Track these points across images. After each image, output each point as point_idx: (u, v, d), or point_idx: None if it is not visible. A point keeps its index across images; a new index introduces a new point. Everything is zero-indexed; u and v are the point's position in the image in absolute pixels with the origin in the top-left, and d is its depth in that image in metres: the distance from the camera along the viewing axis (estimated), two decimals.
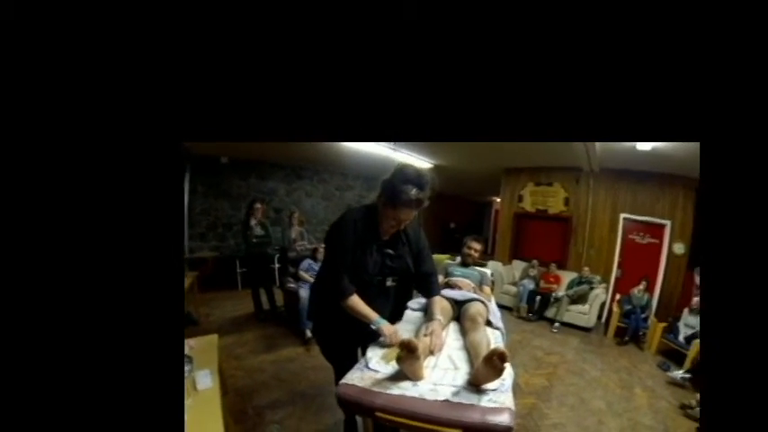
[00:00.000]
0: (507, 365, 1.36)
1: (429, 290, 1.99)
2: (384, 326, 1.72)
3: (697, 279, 5.75)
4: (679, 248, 6.20)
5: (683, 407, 3.50)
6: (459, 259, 2.99)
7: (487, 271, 2.99)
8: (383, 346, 1.69)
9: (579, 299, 5.99)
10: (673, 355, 4.83)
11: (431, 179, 1.68)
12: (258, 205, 5.11)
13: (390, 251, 1.83)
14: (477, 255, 2.87)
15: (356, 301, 1.72)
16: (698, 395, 3.51)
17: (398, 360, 1.41)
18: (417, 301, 2.15)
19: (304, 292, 4.27)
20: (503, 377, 1.37)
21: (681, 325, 5.01)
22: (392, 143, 5.81)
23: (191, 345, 2.37)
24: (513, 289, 6.71)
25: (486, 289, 2.63)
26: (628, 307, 5.63)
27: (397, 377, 1.44)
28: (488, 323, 2.05)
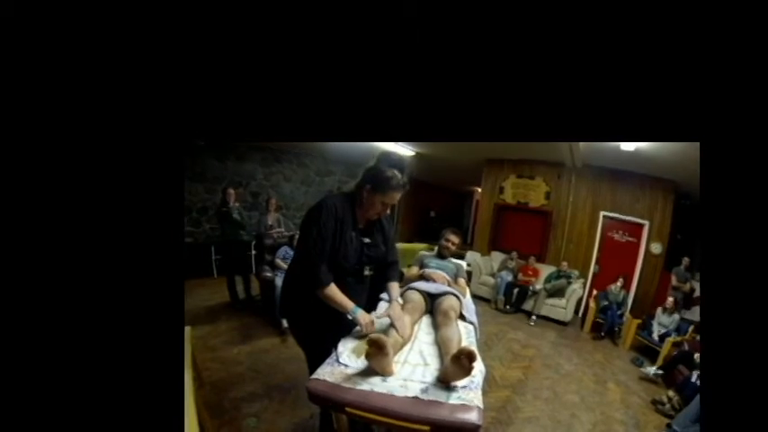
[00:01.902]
0: (477, 363, 1.35)
1: (392, 276, 2.03)
2: (360, 315, 1.71)
3: (674, 280, 5.87)
4: (656, 248, 6.31)
5: (655, 402, 3.57)
6: (436, 250, 2.97)
7: (463, 263, 2.97)
8: (356, 337, 1.67)
9: (557, 293, 6.04)
10: (646, 352, 4.92)
11: (409, 164, 1.74)
12: (231, 191, 5.05)
13: (367, 239, 1.83)
14: (454, 248, 2.85)
15: (334, 291, 1.68)
16: (669, 391, 3.58)
17: (367, 356, 1.39)
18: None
19: (280, 281, 4.20)
20: (472, 374, 1.36)
21: (655, 323, 5.12)
22: None
23: None
24: (492, 280, 6.72)
25: (461, 281, 2.61)
26: (604, 303, 5.70)
27: (367, 372, 1.42)
28: (462, 317, 2.05)
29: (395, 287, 2.00)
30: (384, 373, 1.41)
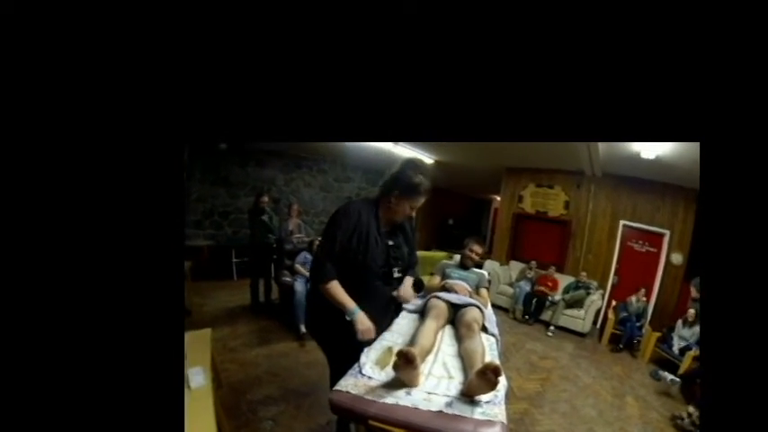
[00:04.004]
0: (501, 377, 1.35)
1: (410, 273, 2.08)
2: (359, 318, 1.71)
3: (693, 292, 5.75)
4: (677, 259, 6.19)
5: (674, 418, 3.50)
6: (456, 258, 2.96)
7: (485, 273, 2.96)
8: (379, 348, 1.67)
9: (575, 303, 5.98)
10: (665, 365, 4.82)
11: (431, 170, 1.85)
12: (266, 198, 5.21)
13: (391, 242, 1.88)
14: (477, 258, 2.84)
15: (335, 288, 1.73)
16: (689, 407, 3.51)
17: (395, 367, 1.40)
18: (414, 303, 2.14)
19: (299, 286, 4.24)
20: (497, 389, 1.36)
21: (675, 336, 5.01)
22: None
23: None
24: (510, 290, 6.67)
25: (483, 292, 2.60)
26: (624, 314, 5.62)
27: (391, 385, 1.42)
28: (484, 328, 2.05)
29: (408, 279, 2.05)
30: (411, 384, 1.42)
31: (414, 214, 1.90)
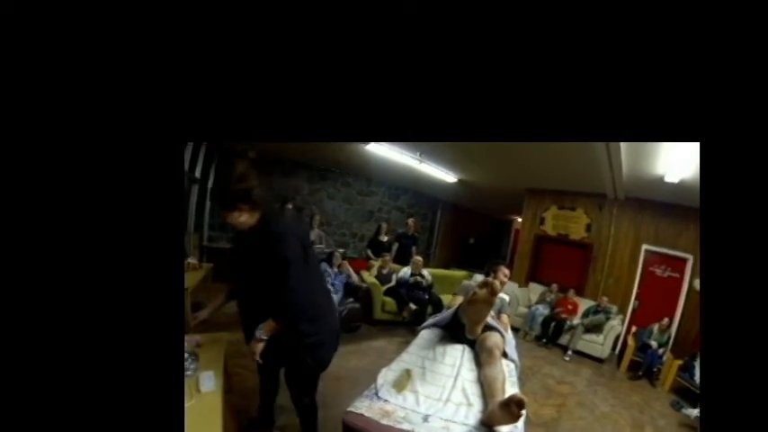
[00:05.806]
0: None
1: (271, 312, 1.75)
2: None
3: None
4: (700, 285, 6.01)
5: None
6: (476, 278, 2.93)
7: (506, 298, 2.92)
8: (396, 370, 1.65)
9: (594, 328, 5.84)
10: (686, 394, 4.68)
11: (238, 171, 1.60)
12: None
13: (244, 250, 1.81)
14: (506, 282, 2.82)
15: None
16: None
17: (472, 297, 1.55)
18: (435, 318, 2.12)
19: None
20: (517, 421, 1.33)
21: (697, 365, 4.84)
22: (418, 155, 5.81)
23: (198, 341, 2.29)
24: (526, 312, 6.56)
25: (504, 318, 2.57)
26: (646, 341, 5.47)
27: (407, 410, 1.39)
28: (504, 354, 2.01)
29: (266, 324, 1.76)
30: (471, 322, 1.60)
31: (237, 223, 1.69)
